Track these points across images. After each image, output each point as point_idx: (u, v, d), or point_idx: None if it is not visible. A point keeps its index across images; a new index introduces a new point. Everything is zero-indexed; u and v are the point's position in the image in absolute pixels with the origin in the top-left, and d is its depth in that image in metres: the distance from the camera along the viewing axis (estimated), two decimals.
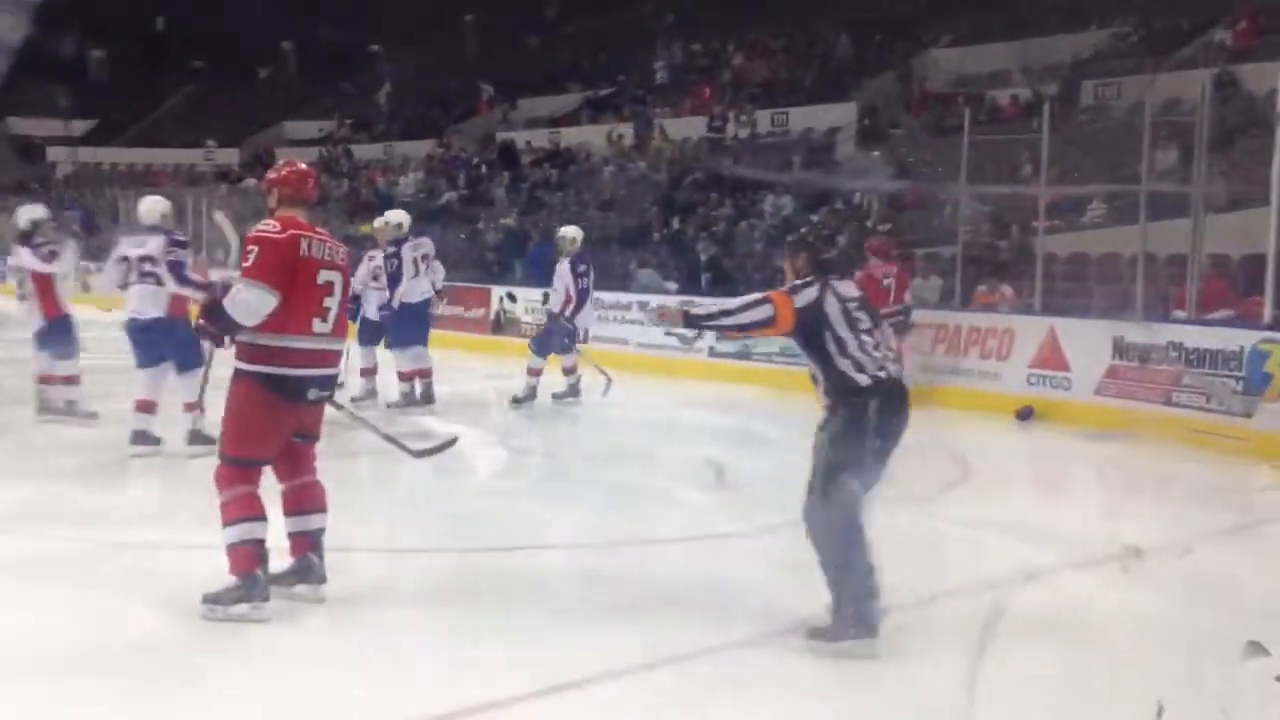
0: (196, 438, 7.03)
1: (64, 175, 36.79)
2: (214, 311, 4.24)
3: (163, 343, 7.12)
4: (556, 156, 23.87)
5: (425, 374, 9.61)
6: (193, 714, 3.39)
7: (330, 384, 4.41)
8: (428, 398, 9.51)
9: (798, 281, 4.20)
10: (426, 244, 9.92)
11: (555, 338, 10.10)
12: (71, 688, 3.48)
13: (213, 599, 4.08)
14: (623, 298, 14.20)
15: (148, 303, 7.12)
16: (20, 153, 38.62)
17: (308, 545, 4.33)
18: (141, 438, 7.13)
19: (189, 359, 6.99)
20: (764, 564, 5.04)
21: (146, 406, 7.16)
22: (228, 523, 4.13)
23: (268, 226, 4.24)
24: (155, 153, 36.19)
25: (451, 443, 5.11)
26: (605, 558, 5.25)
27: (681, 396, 11.44)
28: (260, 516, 4.17)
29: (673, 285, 14.99)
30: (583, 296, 10.10)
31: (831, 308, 4.06)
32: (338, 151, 30.78)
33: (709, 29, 27.55)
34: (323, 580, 4.33)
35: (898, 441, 4.03)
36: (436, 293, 10.08)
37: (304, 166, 4.62)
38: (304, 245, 4.20)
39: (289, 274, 4.13)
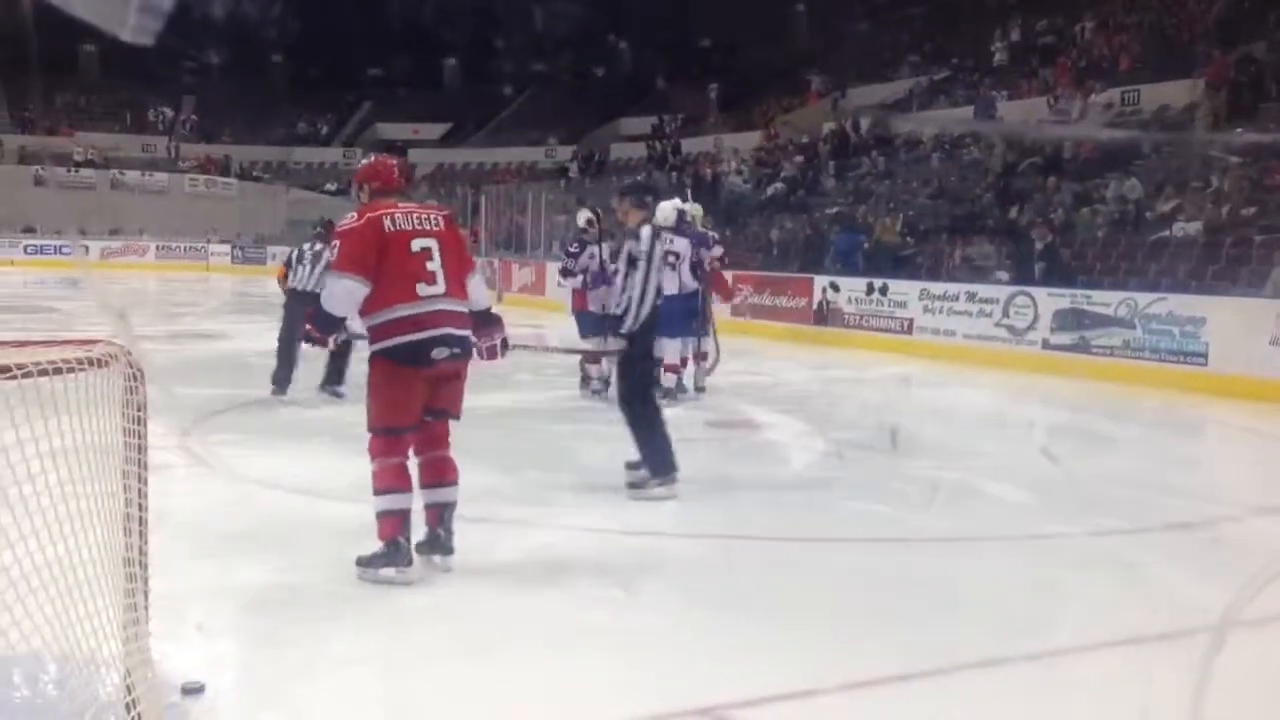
0: None
1: (423, 175, 39.83)
2: (316, 313, 4.52)
3: None
4: (886, 144, 23.33)
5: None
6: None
7: (458, 343, 4.45)
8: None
9: None
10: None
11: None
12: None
13: (364, 562, 4.29)
14: (950, 288, 13.65)
15: None
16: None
17: (437, 517, 4.46)
18: None
19: None
20: (1088, 568, 4.63)
21: None
22: (377, 491, 4.33)
23: (346, 219, 4.44)
24: (501, 152, 38.48)
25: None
26: (916, 555, 5.00)
27: (1011, 389, 10.84)
28: (405, 489, 4.34)
29: (1004, 275, 14.24)
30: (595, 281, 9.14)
31: None
32: (667, 145, 31.52)
33: (1055, 5, 26.01)
34: (449, 552, 4.45)
35: None
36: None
37: (386, 158, 4.87)
38: (387, 223, 4.32)
39: (378, 253, 4.28)
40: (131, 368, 2.71)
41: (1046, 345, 12.00)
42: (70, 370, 2.53)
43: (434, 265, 4.40)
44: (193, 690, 3.23)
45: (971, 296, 13.10)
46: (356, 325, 4.60)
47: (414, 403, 4.41)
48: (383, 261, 4.30)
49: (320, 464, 6.52)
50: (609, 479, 6.29)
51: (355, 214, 4.46)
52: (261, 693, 3.34)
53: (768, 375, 11.85)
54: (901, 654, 3.69)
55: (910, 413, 9.49)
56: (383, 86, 42.76)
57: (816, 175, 23.28)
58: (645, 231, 5.64)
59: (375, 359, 4.43)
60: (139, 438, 2.75)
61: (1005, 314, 12.61)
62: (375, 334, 4.39)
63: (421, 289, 4.35)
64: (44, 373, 2.40)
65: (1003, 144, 19.83)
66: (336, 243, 4.42)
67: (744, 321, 15.93)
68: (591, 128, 37.16)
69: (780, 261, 18.63)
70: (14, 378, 2.30)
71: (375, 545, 4.33)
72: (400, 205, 4.46)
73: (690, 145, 31.02)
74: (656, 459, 5.75)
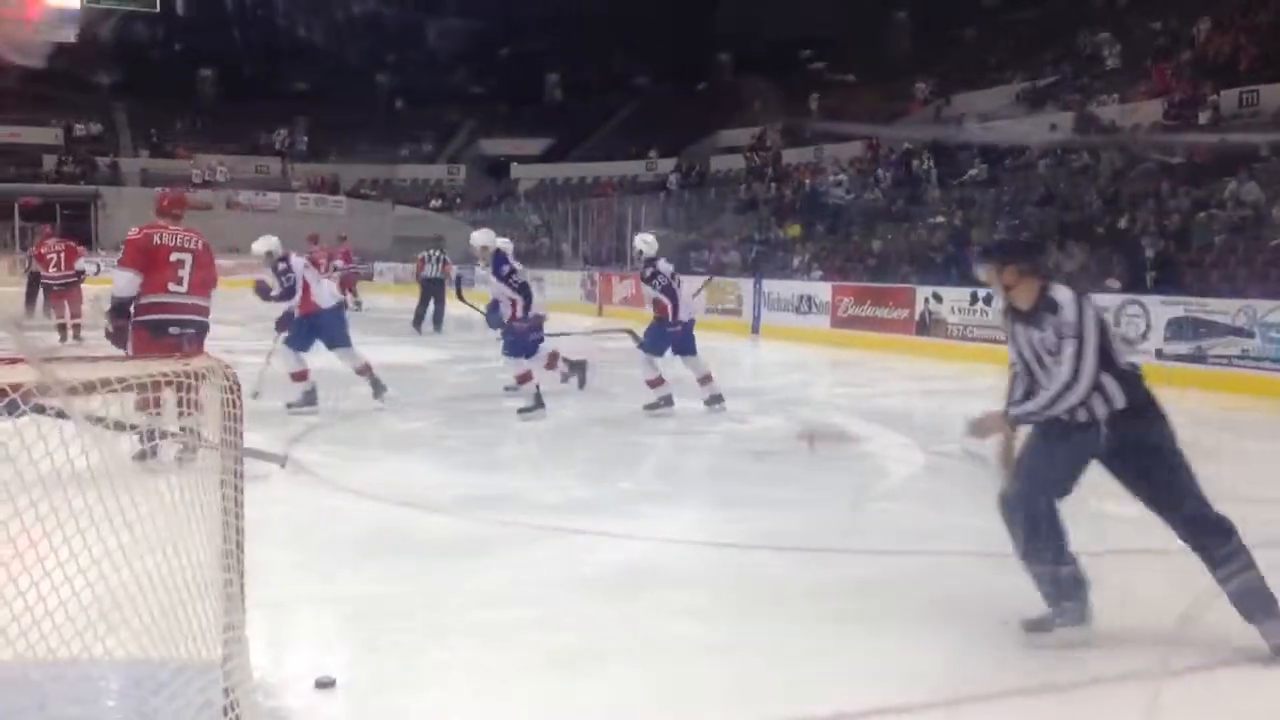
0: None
1: (525, 191, 40.30)
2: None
3: None
4: (991, 151, 22.88)
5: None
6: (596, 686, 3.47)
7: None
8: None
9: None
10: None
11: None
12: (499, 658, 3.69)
13: None
14: None
15: None
16: (489, 170, 42.74)
17: None
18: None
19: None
20: (1172, 585, 4.44)
21: None
22: None
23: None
24: (602, 166, 38.72)
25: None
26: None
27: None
28: None
29: (1115, 284, 13.83)
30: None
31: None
32: (767, 156, 31.37)
33: (1169, 6, 25.22)
34: None
35: None
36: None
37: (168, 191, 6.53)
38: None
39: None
40: (228, 380, 2.78)
41: (1160, 355, 11.60)
42: (171, 383, 2.61)
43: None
44: (325, 684, 3.32)
45: None
46: None
47: None
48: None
49: (417, 476, 6.63)
50: (699, 489, 6.27)
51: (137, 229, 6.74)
52: (361, 701, 3.39)
53: (867, 387, 11.69)
54: (1001, 671, 3.60)
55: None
56: (485, 103, 43.41)
57: (919, 184, 22.94)
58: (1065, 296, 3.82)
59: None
60: (235, 448, 2.82)
61: (1116, 323, 12.25)
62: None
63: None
64: (145, 385, 2.48)
65: (1113, 149, 19.31)
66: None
67: (844, 333, 15.78)
68: (692, 140, 37.17)
69: (880, 272, 18.40)
70: (116, 390, 2.37)
71: None
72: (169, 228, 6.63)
73: (790, 156, 30.82)
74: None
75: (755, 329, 17.93)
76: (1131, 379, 3.81)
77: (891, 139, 26.83)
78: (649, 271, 9.23)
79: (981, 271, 4.10)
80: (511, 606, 4.22)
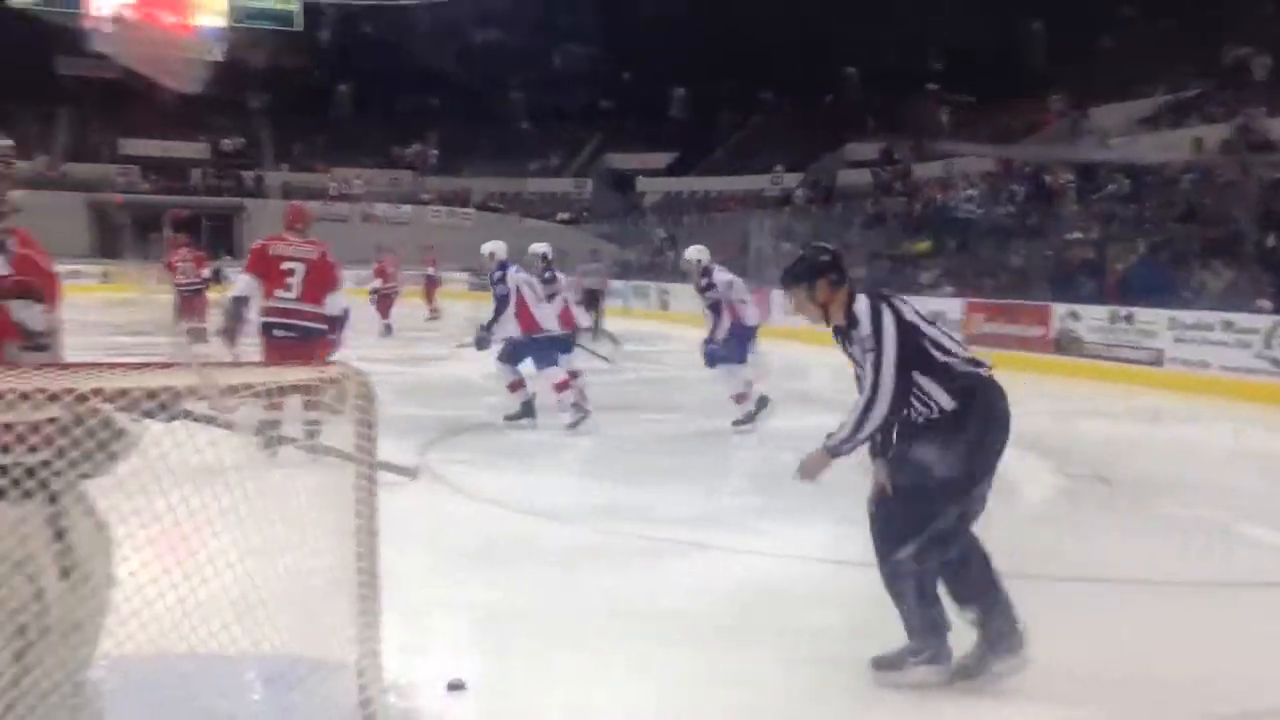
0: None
1: (651, 205, 40.51)
2: None
3: None
4: (1130, 166, 22.11)
5: None
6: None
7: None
8: None
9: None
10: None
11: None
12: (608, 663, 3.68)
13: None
14: (1204, 316, 12.78)
15: None
16: (615, 184, 43.10)
17: None
18: None
19: None
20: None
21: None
22: None
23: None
24: (727, 180, 38.68)
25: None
26: (1165, 601, 4.66)
27: (1273, 425, 10.04)
28: None
29: (1266, 303, 13.21)
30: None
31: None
32: (895, 171, 30.93)
33: None
34: None
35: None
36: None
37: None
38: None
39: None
40: (363, 387, 2.83)
41: None
42: (305, 389, 2.67)
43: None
44: (456, 686, 3.37)
45: (1228, 326, 12.23)
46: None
47: None
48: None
49: (549, 486, 6.70)
50: (826, 507, 6.17)
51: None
52: (490, 704, 3.43)
53: None
54: (1149, 708, 3.45)
55: (1158, 448, 8.91)
56: (611, 119, 43.80)
57: (1053, 199, 22.30)
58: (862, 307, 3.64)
59: None
60: (369, 454, 2.87)
61: (1267, 345, 11.70)
62: None
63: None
64: (281, 391, 2.55)
65: (1264, 165, 18.48)
66: None
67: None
68: (818, 154, 36.89)
69: (1013, 288, 17.92)
70: (253, 396, 2.44)
71: None
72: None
73: (920, 170, 30.34)
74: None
75: None
76: (963, 377, 3.57)
77: (1024, 157, 26.22)
78: (704, 282, 9.05)
79: (790, 300, 3.82)
80: (637, 618, 4.22)
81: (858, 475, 3.76)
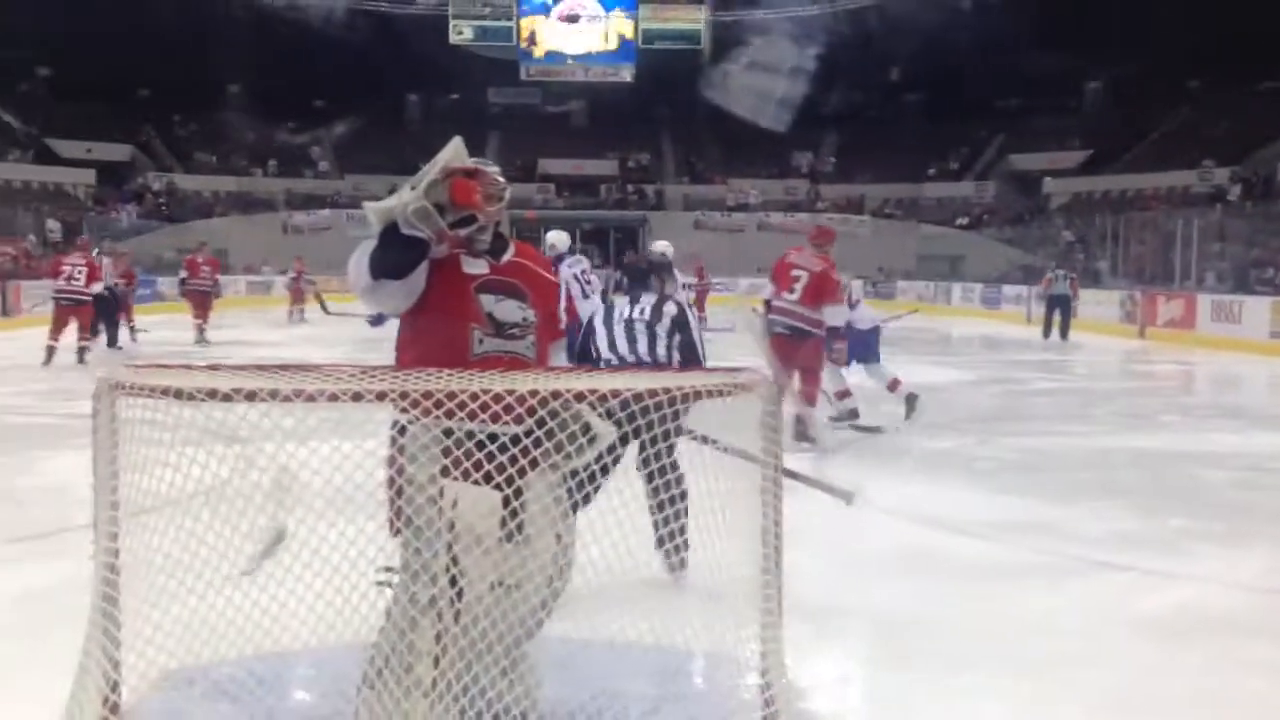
0: None
1: (1058, 206, 38.43)
2: None
3: None
4: None
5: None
6: None
7: None
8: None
9: None
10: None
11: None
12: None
13: None
14: None
15: None
16: (1019, 186, 41.28)
17: None
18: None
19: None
20: None
21: None
22: None
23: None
24: (1147, 178, 35.96)
25: None
26: None
27: None
28: None
29: None
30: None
31: None
32: None
33: None
34: None
35: None
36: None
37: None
38: None
39: None
40: (770, 392, 2.89)
41: None
42: (717, 394, 2.77)
43: None
44: (850, 691, 3.42)
45: None
46: None
47: None
48: None
49: (947, 497, 6.51)
50: (1267, 531, 5.60)
51: None
52: (886, 712, 3.40)
53: None
54: None
55: None
56: (1017, 117, 41.99)
57: None
58: None
59: None
60: (775, 457, 2.93)
61: None
62: None
63: None
64: (696, 395, 2.67)
65: None
66: None
67: None
68: (1257, 147, 33.37)
69: None
70: (664, 400, 2.56)
71: None
72: None
73: None
74: None
75: None
76: None
77: None
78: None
79: None
80: (1049, 638, 4.01)
81: None
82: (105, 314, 14.79)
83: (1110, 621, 4.21)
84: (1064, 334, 18.64)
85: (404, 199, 2.69)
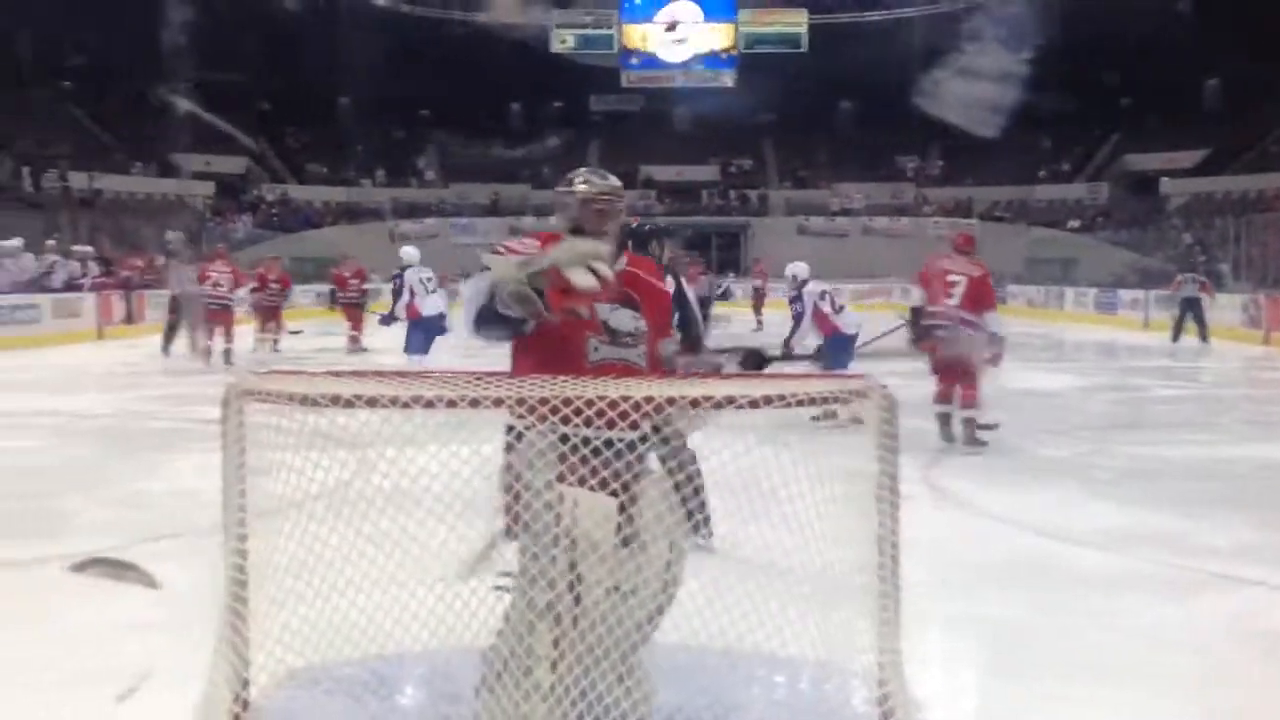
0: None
1: (1175, 206, 37.27)
2: None
3: None
4: None
5: None
6: None
7: None
8: None
9: None
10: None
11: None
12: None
13: None
14: None
15: None
16: (1134, 187, 40.14)
17: None
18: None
19: None
20: None
21: None
22: None
23: None
24: (1267, 178, 34.67)
25: None
26: None
27: None
28: None
29: None
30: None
31: None
32: None
33: None
34: None
35: None
36: None
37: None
38: None
39: None
40: (885, 400, 2.85)
41: None
42: (831, 401, 2.75)
43: None
44: (966, 702, 3.38)
45: None
46: None
47: None
48: None
49: (1060, 505, 6.37)
50: None
51: None
52: None
53: None
54: None
55: None
56: (1132, 116, 40.83)
57: None
58: None
59: None
60: (891, 465, 2.89)
61: None
62: None
63: None
64: (802, 402, 2.65)
65: None
66: None
67: None
68: None
69: None
70: (783, 406, 2.55)
71: None
72: None
73: None
74: None
75: None
76: None
77: None
78: (793, 294, 9.62)
79: None
80: (1165, 652, 3.91)
81: None
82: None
83: (1232, 637, 4.10)
84: (1203, 337, 18.39)
85: (507, 274, 2.66)
